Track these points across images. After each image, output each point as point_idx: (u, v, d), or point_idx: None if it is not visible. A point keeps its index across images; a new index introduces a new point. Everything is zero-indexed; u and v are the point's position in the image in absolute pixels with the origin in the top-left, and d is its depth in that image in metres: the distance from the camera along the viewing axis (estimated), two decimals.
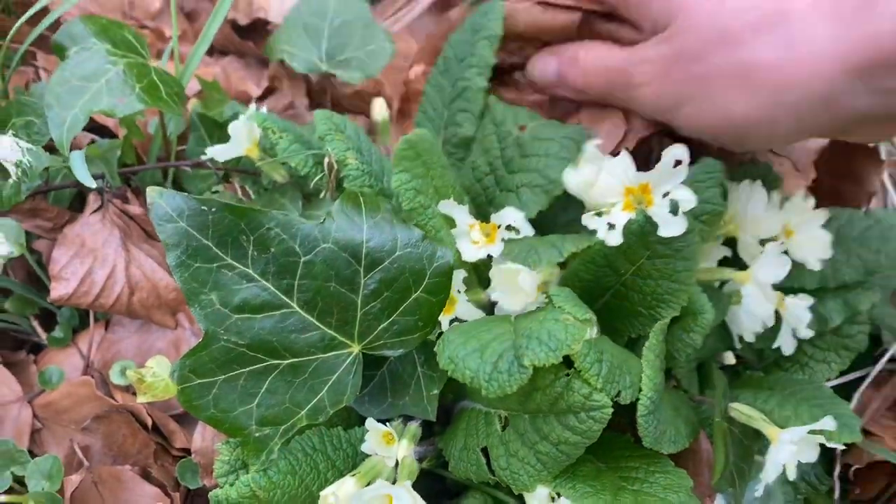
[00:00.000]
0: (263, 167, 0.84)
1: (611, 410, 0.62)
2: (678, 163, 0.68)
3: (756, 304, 0.75)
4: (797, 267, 0.81)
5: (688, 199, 0.68)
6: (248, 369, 0.66)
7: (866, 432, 0.87)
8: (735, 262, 0.82)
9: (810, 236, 0.81)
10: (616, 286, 0.73)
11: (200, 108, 0.97)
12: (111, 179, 0.87)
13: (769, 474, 0.69)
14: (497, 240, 0.76)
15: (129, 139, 0.92)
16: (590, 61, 0.79)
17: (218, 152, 0.83)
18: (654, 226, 0.68)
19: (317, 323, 0.67)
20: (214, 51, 1.19)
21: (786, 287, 0.80)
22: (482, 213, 0.82)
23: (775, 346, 0.80)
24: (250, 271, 0.63)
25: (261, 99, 1.09)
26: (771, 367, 0.85)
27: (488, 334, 0.65)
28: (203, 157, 0.85)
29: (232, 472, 0.70)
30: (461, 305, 0.73)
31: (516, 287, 0.71)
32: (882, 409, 0.88)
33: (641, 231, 0.69)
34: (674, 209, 0.68)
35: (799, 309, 0.78)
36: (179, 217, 0.61)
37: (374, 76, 0.99)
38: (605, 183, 0.72)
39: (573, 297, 0.67)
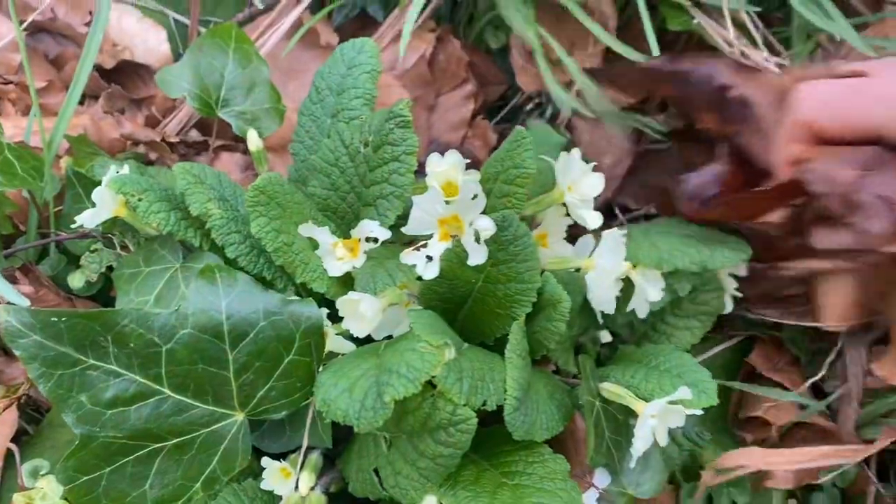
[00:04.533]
0: (134, 224, 0.86)
1: (475, 421, 0.67)
2: (476, 196, 0.72)
3: (600, 290, 0.80)
4: None
5: (487, 227, 0.71)
6: (132, 457, 0.69)
7: (772, 381, 0.96)
8: None
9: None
10: (473, 293, 0.77)
11: (73, 165, 0.97)
12: None
13: (638, 447, 0.75)
14: (360, 252, 0.79)
15: (2, 210, 0.92)
16: None
17: (86, 219, 0.83)
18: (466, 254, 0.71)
19: (193, 402, 0.70)
20: (84, 97, 1.19)
21: None
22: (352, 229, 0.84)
23: (628, 309, 0.84)
24: (115, 367, 0.66)
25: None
26: (642, 339, 0.91)
27: (357, 370, 0.69)
28: (73, 225, 0.86)
29: None
30: (332, 340, 0.76)
31: (360, 315, 0.73)
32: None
33: (460, 261, 0.73)
34: (477, 237, 0.71)
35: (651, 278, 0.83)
36: (31, 331, 0.64)
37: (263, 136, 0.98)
38: (417, 217, 0.74)
39: (431, 319, 0.71)
